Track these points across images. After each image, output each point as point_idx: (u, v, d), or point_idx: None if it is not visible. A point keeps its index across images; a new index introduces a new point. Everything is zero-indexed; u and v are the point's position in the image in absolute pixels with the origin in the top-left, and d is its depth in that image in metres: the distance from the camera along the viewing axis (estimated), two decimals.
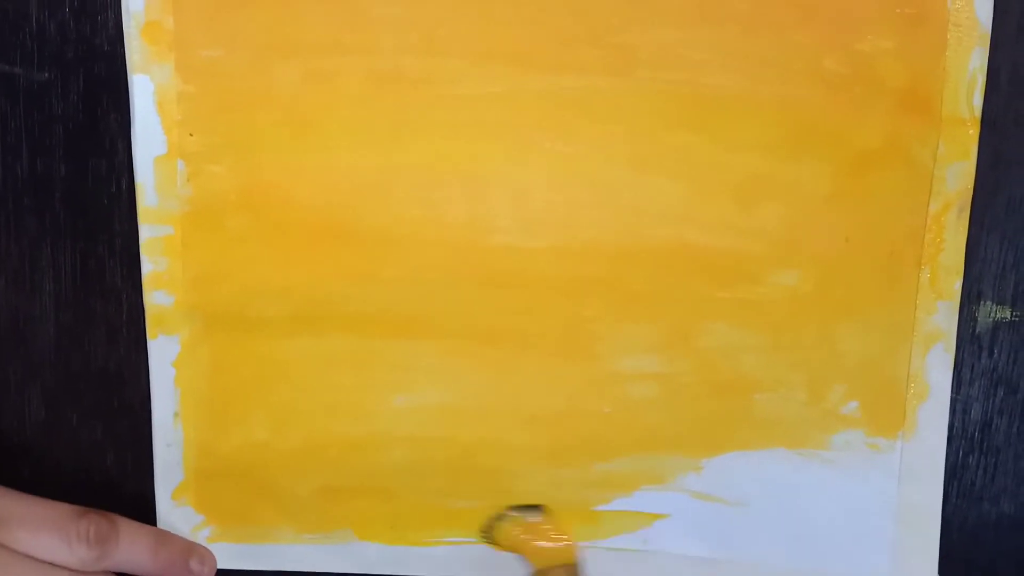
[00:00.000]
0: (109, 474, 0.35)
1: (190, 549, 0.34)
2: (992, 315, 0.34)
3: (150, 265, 0.33)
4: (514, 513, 0.35)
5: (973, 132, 0.32)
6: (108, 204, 0.33)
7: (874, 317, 0.33)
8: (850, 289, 0.33)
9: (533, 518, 0.35)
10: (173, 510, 0.35)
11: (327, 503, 0.35)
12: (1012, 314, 0.34)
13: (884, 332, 0.33)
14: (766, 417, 0.34)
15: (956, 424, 0.34)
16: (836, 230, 0.33)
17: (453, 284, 0.33)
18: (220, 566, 0.35)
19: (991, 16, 0.31)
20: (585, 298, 0.34)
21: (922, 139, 0.32)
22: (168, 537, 0.34)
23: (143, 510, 0.35)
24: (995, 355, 0.34)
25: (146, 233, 0.33)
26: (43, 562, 0.30)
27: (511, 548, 0.35)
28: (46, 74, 0.33)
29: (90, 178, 0.33)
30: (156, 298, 0.33)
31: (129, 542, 0.32)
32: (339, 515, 0.35)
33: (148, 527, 0.34)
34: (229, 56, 0.32)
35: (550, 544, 0.34)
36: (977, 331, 0.34)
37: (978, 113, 0.32)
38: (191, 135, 0.32)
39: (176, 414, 0.34)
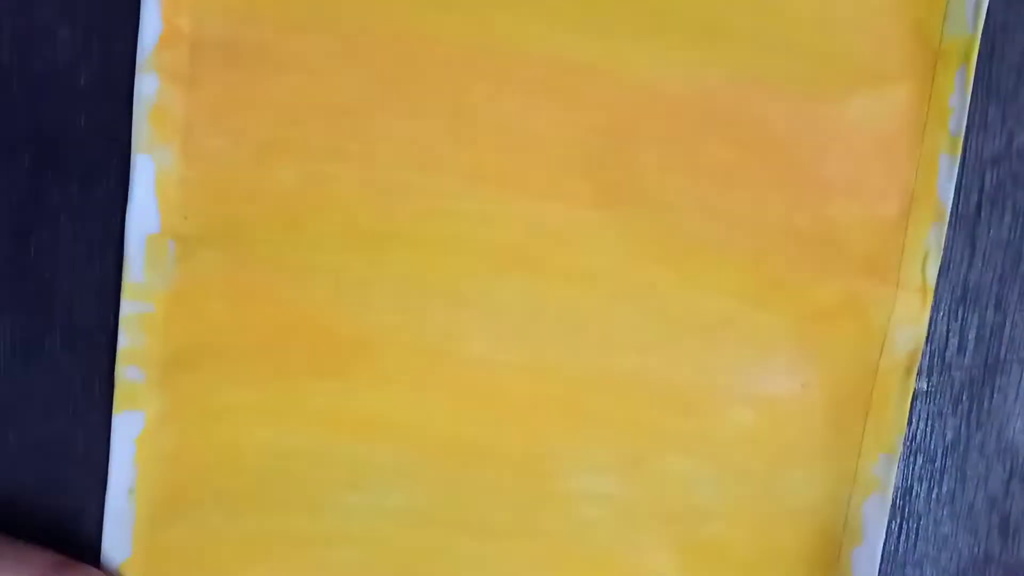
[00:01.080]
0: (59, 543, 0.35)
1: None
2: None
3: (127, 340, 0.33)
4: None
5: (926, 300, 0.34)
6: (50, 278, 0.34)
7: (819, 462, 0.35)
8: (802, 432, 0.35)
9: None
10: None
11: None
12: (928, 385, 0.36)
13: (827, 476, 0.35)
14: (710, 546, 0.35)
15: None
16: (793, 375, 0.35)
17: (419, 390, 0.34)
18: None
19: (951, 196, 0.34)
20: (546, 416, 0.35)
21: (878, 302, 0.34)
22: None
23: None
24: (913, 424, 0.36)
25: (127, 308, 0.33)
26: None
27: None
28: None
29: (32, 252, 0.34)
30: (128, 373, 0.34)
31: None
32: None
33: None
34: (233, 148, 0.33)
35: None
36: None
37: (932, 283, 0.34)
38: (186, 218, 0.33)
39: (131, 490, 0.34)
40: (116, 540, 0.34)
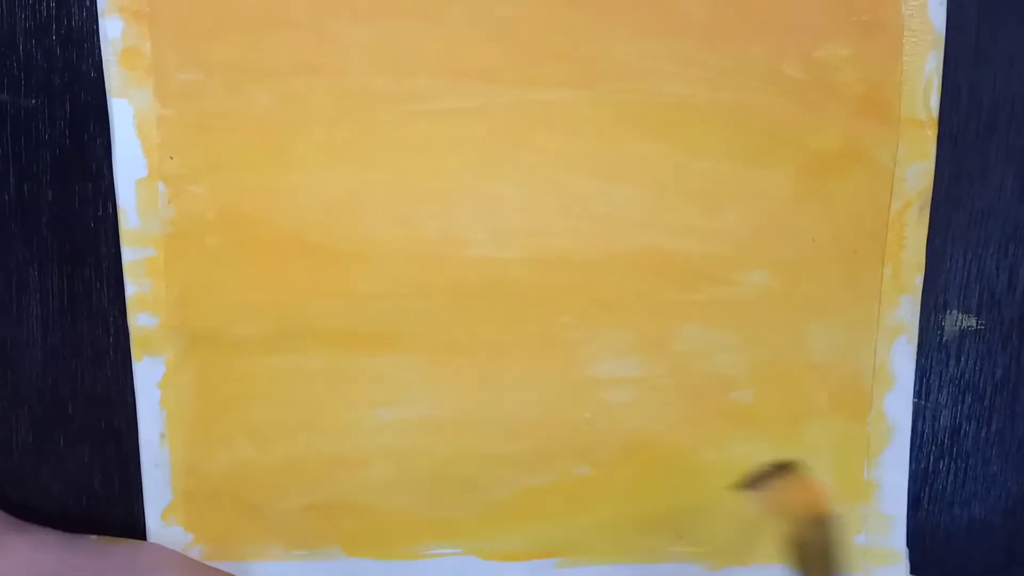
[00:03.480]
0: (98, 496, 0.36)
1: None
2: (958, 324, 0.35)
3: (133, 287, 0.34)
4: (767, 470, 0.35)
5: (931, 133, 0.33)
6: (94, 228, 0.34)
7: (840, 312, 0.34)
8: (817, 286, 0.34)
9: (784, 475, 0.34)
10: (163, 530, 0.35)
11: (314, 520, 0.36)
12: (977, 323, 0.35)
13: (850, 326, 0.34)
14: (740, 414, 0.35)
15: (926, 430, 0.35)
16: (802, 230, 0.34)
17: (428, 297, 0.34)
18: None
19: (944, 21, 0.32)
20: (559, 306, 0.34)
21: (881, 141, 0.33)
22: None
23: (134, 530, 0.35)
24: (962, 363, 0.35)
25: (129, 255, 0.33)
26: None
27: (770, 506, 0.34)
28: (33, 100, 0.33)
29: (76, 202, 0.34)
30: (141, 320, 0.34)
31: None
32: (326, 531, 0.36)
33: None
34: (205, 80, 0.33)
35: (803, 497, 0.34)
36: (944, 340, 0.35)
37: (935, 114, 0.33)
38: (171, 158, 0.33)
39: (163, 435, 0.35)
40: (156, 487, 0.35)
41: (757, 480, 0.34)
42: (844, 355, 0.34)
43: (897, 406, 0.35)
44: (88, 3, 0.33)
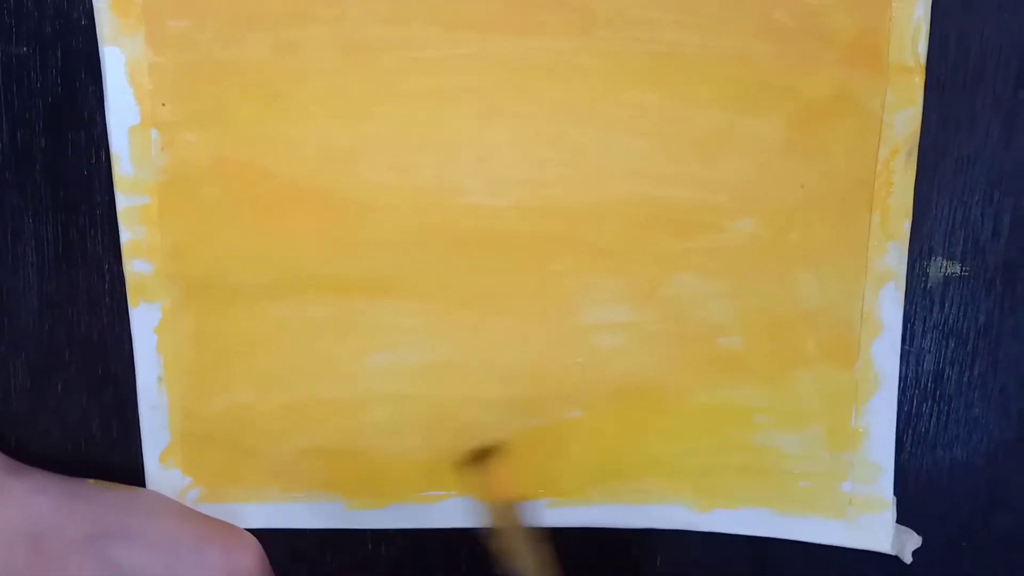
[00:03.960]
0: (96, 441, 0.36)
1: None
2: (943, 270, 0.35)
3: (128, 234, 0.34)
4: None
5: (919, 80, 0.33)
6: (88, 175, 0.34)
7: (829, 259, 0.35)
8: (806, 234, 0.35)
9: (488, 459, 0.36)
10: (161, 473, 0.36)
11: (311, 463, 0.36)
12: (962, 269, 0.35)
13: (839, 273, 0.35)
14: (729, 360, 0.35)
15: (910, 375, 0.36)
16: (792, 178, 0.34)
17: (426, 246, 0.35)
18: None
19: None
20: (553, 254, 0.35)
21: (870, 88, 0.33)
22: None
23: (132, 474, 0.36)
24: (946, 308, 0.36)
25: (123, 203, 0.34)
26: None
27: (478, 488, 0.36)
28: (24, 48, 0.33)
29: (70, 150, 0.34)
30: (136, 266, 0.34)
31: None
32: (323, 474, 0.36)
33: None
34: (198, 27, 0.33)
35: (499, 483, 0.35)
36: (928, 286, 0.36)
37: (923, 61, 0.33)
38: (164, 105, 0.33)
39: (160, 379, 0.35)
40: (153, 430, 0.36)
41: (471, 460, 0.36)
42: (832, 302, 0.35)
43: (885, 353, 0.35)
44: None
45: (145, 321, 0.35)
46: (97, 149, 0.34)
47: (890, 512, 0.36)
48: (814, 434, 0.36)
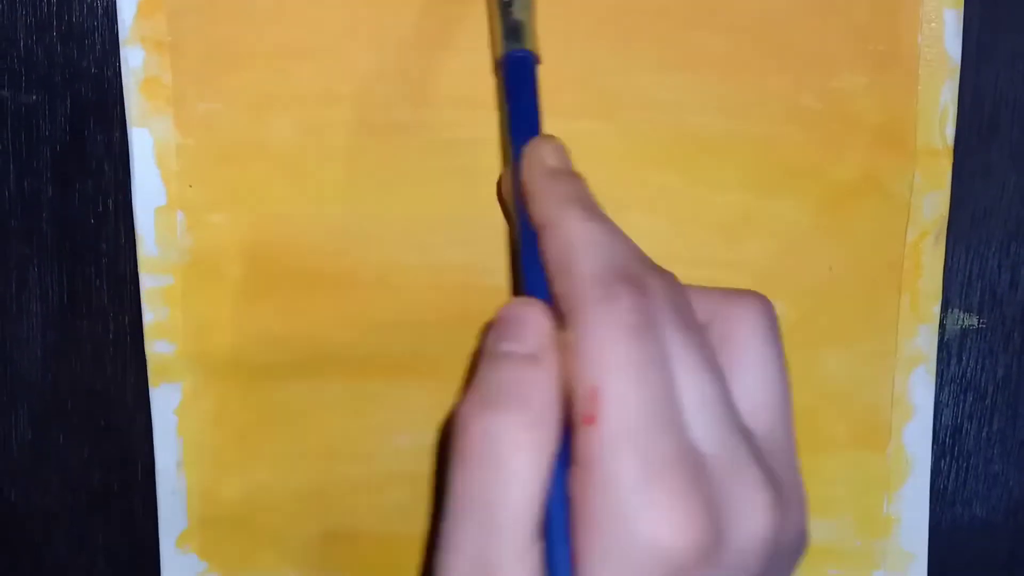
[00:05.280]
0: (111, 520, 0.36)
1: None
2: (960, 323, 0.35)
3: (151, 315, 0.34)
4: None
5: (946, 162, 0.33)
6: (95, 224, 0.34)
7: (858, 342, 0.34)
8: (835, 316, 0.34)
9: None
10: (177, 557, 0.35)
11: (328, 547, 0.36)
12: (979, 322, 0.35)
13: (868, 357, 0.34)
14: None
15: None
16: (819, 260, 0.34)
17: (445, 326, 0.34)
18: None
19: (960, 50, 0.33)
20: None
21: (898, 171, 0.33)
22: None
23: (146, 557, 0.36)
24: (964, 361, 0.35)
25: (147, 283, 0.34)
26: None
27: None
28: (33, 96, 0.34)
29: (77, 199, 0.34)
30: (158, 347, 0.34)
31: None
32: (341, 559, 0.36)
33: None
34: (225, 109, 0.33)
35: None
36: (946, 339, 0.35)
37: (951, 143, 0.33)
38: (190, 186, 0.33)
39: (179, 463, 0.35)
40: (171, 514, 0.35)
41: None
42: (862, 386, 0.34)
43: (916, 438, 0.35)
44: (88, 1, 0.33)
45: (166, 402, 0.34)
46: (104, 198, 0.34)
47: None
48: (844, 522, 0.35)
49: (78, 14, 0.33)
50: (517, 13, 0.31)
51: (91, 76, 0.33)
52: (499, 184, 0.33)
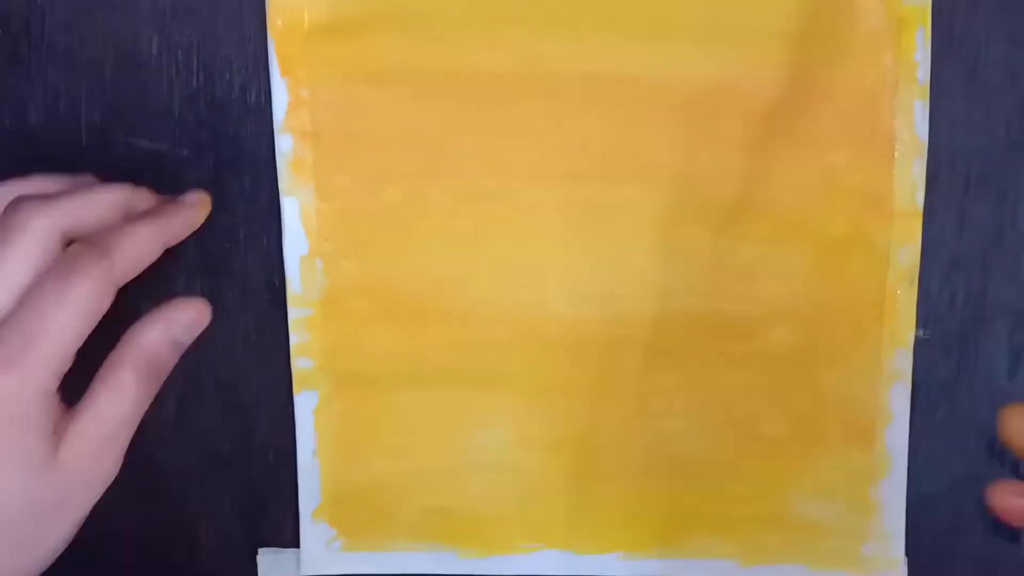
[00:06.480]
0: (259, 501, 0.45)
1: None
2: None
3: (296, 338, 0.44)
4: None
5: (917, 222, 0.41)
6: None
7: (850, 362, 0.42)
8: (831, 341, 0.42)
9: None
10: (312, 526, 0.45)
11: (430, 520, 0.44)
12: (924, 333, 0.43)
13: (858, 373, 0.42)
14: (769, 443, 0.43)
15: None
16: (817, 297, 0.42)
17: (520, 348, 0.43)
18: (351, 571, 0.45)
19: (927, 134, 0.41)
20: (624, 354, 0.43)
21: (879, 229, 0.41)
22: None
23: (288, 527, 0.45)
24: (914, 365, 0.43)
25: (293, 314, 0.43)
26: None
27: None
28: (184, 151, 0.43)
29: (218, 230, 0.43)
30: (301, 363, 0.44)
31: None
32: (439, 530, 0.44)
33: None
34: (353, 182, 0.42)
35: None
36: None
37: (921, 206, 0.41)
38: (326, 240, 0.43)
39: (315, 452, 0.44)
40: (308, 492, 0.45)
41: None
42: (853, 397, 0.42)
43: (895, 439, 0.43)
44: (228, 76, 0.42)
45: (306, 405, 0.44)
46: (239, 228, 0.43)
47: (902, 568, 0.44)
48: (840, 504, 0.43)
49: (219, 88, 0.42)
50: None
51: (227, 137, 0.43)
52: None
